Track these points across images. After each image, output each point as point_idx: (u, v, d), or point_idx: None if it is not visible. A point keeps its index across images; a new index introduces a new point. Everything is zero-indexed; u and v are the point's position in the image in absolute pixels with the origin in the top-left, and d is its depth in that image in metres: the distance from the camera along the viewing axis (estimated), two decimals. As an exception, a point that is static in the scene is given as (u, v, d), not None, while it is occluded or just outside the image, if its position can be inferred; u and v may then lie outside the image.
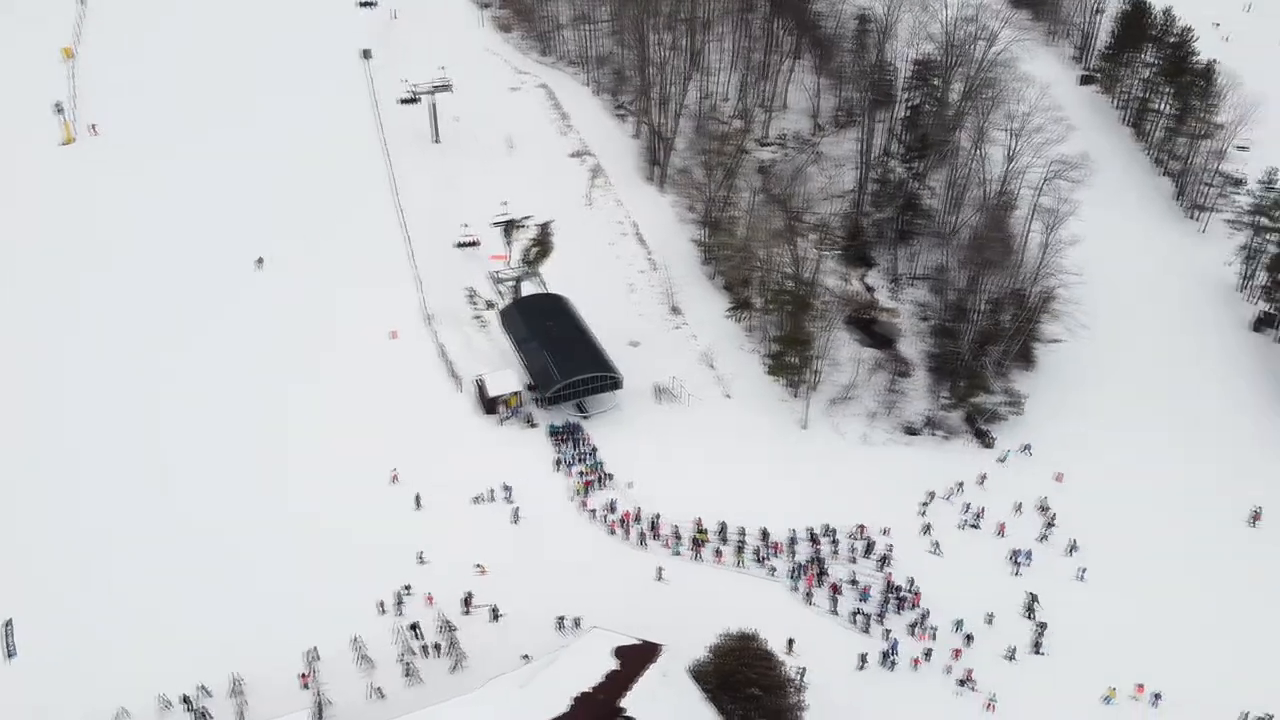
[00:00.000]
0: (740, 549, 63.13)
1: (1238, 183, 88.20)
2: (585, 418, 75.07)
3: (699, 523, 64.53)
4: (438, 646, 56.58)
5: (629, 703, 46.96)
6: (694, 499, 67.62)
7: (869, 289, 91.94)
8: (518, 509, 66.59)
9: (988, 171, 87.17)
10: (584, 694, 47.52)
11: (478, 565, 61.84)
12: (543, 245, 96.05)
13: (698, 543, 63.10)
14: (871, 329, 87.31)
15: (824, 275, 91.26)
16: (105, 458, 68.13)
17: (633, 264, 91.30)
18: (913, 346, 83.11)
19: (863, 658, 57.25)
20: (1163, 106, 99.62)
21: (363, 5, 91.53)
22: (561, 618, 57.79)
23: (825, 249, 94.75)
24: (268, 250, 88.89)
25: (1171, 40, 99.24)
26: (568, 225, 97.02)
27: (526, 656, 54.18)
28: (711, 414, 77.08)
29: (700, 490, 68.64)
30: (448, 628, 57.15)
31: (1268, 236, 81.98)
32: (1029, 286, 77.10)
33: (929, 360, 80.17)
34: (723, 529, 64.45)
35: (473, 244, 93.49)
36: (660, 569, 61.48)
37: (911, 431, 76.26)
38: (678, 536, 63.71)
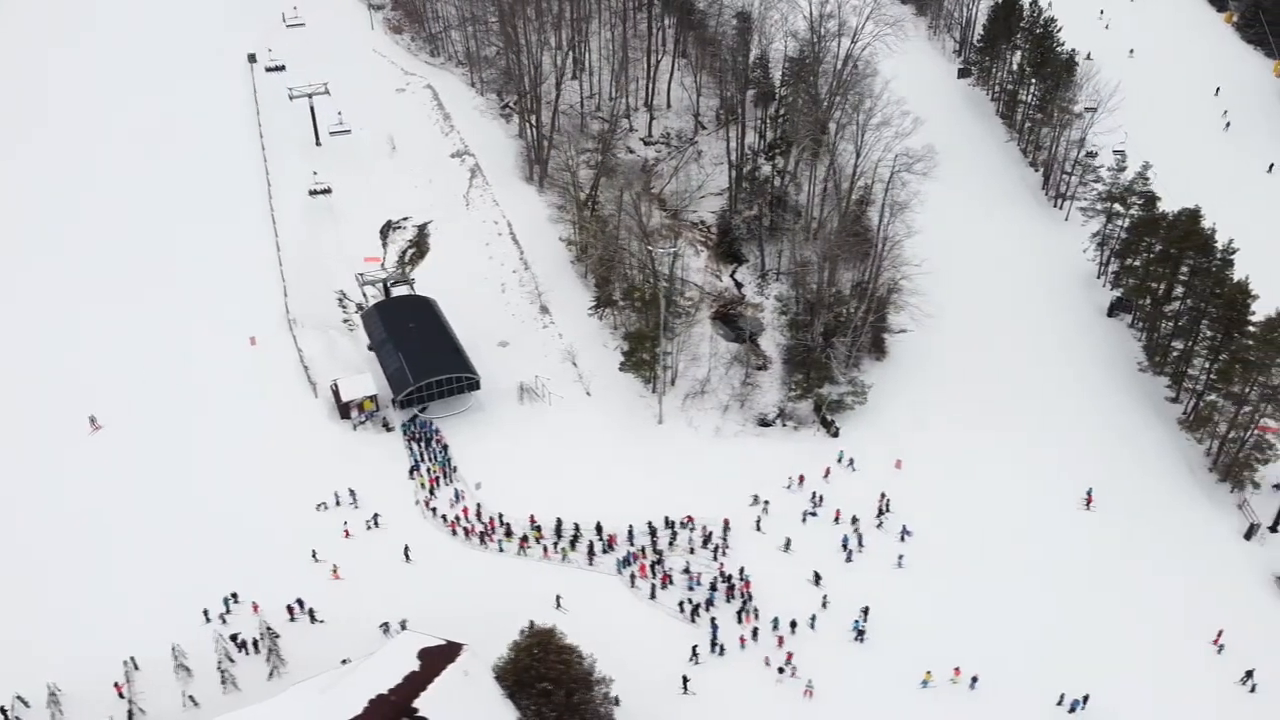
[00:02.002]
0: (573, 544, 63.63)
1: (1093, 169, 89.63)
2: (429, 418, 74.95)
3: (533, 519, 64.95)
4: (257, 653, 56.78)
5: (423, 703, 47.48)
6: (544, 497, 68.15)
7: (738, 285, 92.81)
8: (362, 513, 66.79)
9: (849, 167, 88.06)
10: (379, 696, 48.00)
11: (333, 567, 62.37)
12: (419, 247, 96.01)
13: (527, 539, 63.47)
14: (737, 324, 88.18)
15: (694, 272, 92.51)
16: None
17: (505, 264, 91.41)
18: (772, 340, 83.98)
19: (694, 649, 58.10)
20: (1028, 97, 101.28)
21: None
22: (386, 623, 58.04)
23: (698, 245, 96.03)
24: (128, 257, 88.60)
25: (1037, 31, 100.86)
26: (445, 226, 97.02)
27: (346, 661, 54.44)
28: (571, 412, 77.46)
29: (551, 488, 69.19)
30: (269, 635, 57.14)
31: (1118, 222, 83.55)
32: (871, 279, 78.09)
33: (785, 353, 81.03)
34: (558, 525, 64.92)
35: (325, 191, 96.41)
36: (491, 568, 61.92)
37: (765, 423, 77.11)
38: (509, 534, 64.09)
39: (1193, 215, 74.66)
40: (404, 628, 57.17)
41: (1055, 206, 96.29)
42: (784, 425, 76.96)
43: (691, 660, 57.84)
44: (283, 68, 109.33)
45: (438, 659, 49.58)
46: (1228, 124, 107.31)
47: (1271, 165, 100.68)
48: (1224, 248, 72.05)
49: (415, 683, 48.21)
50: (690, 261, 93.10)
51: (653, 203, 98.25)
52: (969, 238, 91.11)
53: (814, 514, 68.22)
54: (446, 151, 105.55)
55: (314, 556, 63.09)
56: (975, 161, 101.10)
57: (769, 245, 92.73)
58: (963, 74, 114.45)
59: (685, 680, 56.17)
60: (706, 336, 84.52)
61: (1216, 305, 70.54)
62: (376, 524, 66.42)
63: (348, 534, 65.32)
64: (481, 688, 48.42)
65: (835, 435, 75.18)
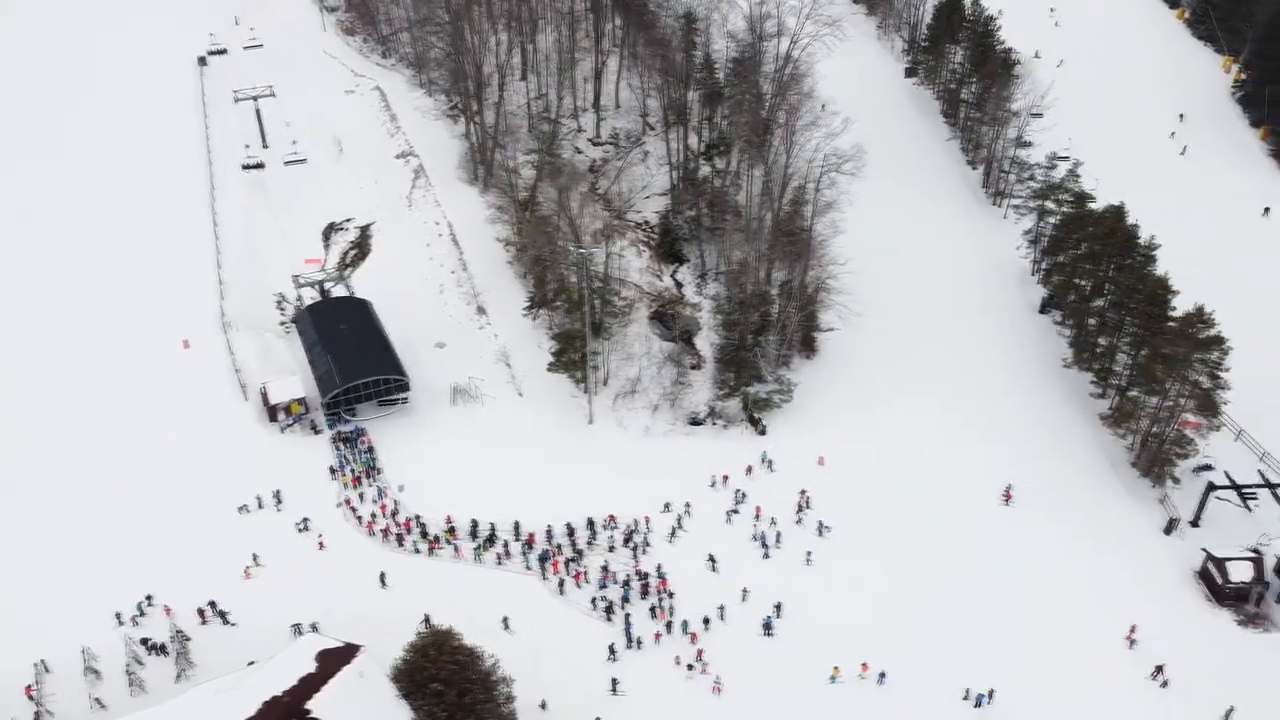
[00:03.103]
0: (488, 544, 63.82)
1: (1027, 167, 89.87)
2: (357, 420, 74.94)
3: (448, 520, 65.14)
4: (169, 655, 56.94)
5: (315, 704, 47.36)
6: (472, 498, 68.71)
7: (678, 284, 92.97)
8: (285, 515, 66.99)
9: (790, 166, 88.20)
10: (273, 698, 47.85)
11: (258, 563, 63.03)
12: (361, 248, 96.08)
13: (439, 540, 63.65)
14: (674, 323, 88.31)
15: (635, 272, 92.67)
16: None
17: (445, 265, 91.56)
18: (707, 340, 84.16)
19: (611, 647, 58.39)
20: (968, 95, 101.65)
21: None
22: (298, 624, 58.14)
23: (640, 246, 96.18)
24: (68, 259, 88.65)
25: (979, 30, 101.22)
26: (388, 227, 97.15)
27: (253, 663, 54.51)
28: (503, 413, 77.81)
29: (480, 489, 69.62)
30: (180, 637, 57.28)
31: (1048, 219, 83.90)
32: (798, 278, 78.34)
33: (718, 352, 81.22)
34: (473, 526, 65.11)
35: (258, 166, 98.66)
36: (406, 569, 62.15)
37: (695, 422, 77.37)
38: (423, 535, 64.25)
39: (1117, 212, 75.06)
40: (315, 629, 57.27)
41: (994, 205, 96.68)
42: (714, 424, 77.24)
43: (610, 658, 58.22)
44: (224, 50, 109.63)
45: (335, 661, 49.55)
46: (1180, 115, 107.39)
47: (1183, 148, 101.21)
48: (1146, 244, 72.45)
49: (310, 684, 48.15)
50: (632, 261, 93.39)
51: (596, 203, 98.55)
52: (908, 236, 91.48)
53: (736, 512, 68.55)
54: (392, 153, 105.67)
55: (256, 560, 63.45)
56: (917, 160, 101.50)
57: (710, 245, 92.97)
58: (910, 73, 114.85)
59: (615, 682, 56.47)
60: (642, 336, 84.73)
61: (1137, 301, 70.90)
62: (307, 527, 66.65)
63: (279, 529, 65.51)
64: (376, 689, 48.42)
65: (763, 433, 75.49)
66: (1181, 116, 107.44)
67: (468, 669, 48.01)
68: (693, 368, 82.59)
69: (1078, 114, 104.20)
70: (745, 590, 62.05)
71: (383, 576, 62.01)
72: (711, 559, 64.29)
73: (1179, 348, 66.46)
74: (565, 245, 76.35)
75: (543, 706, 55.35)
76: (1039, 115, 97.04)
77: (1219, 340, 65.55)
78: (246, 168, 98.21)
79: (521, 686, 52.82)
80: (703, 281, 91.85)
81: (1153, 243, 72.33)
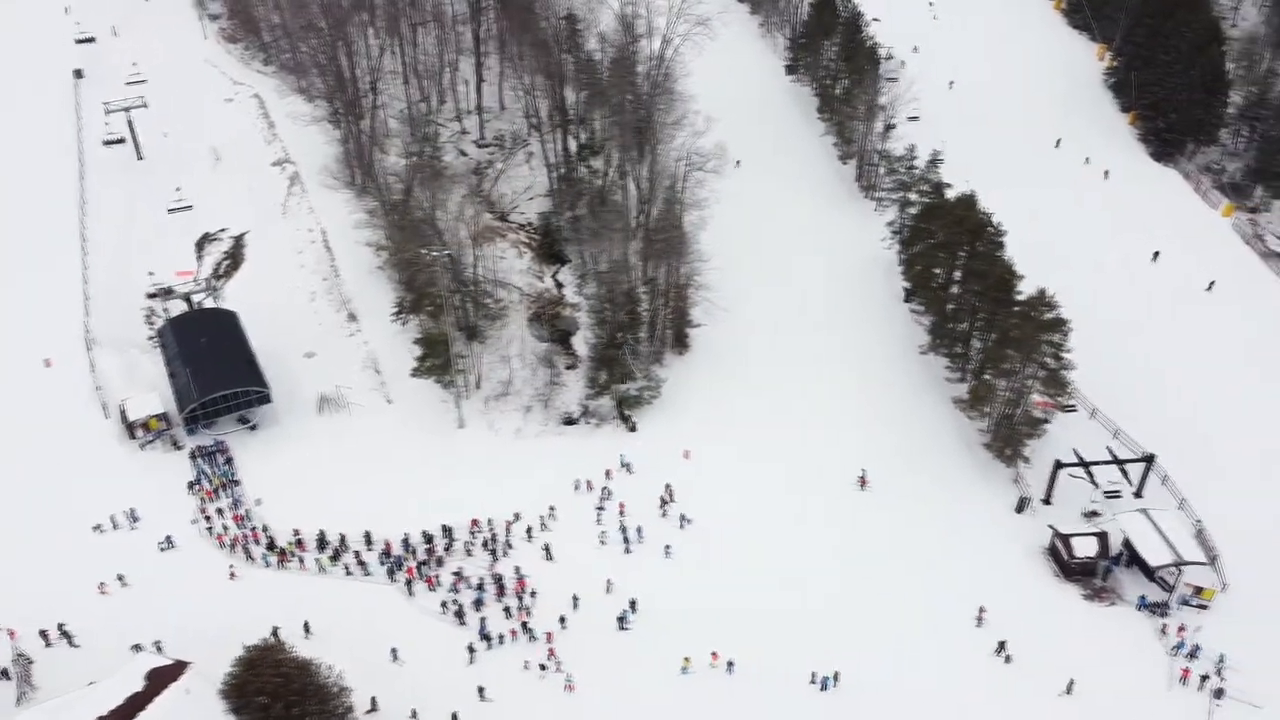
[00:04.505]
0: (336, 556, 63.48)
1: (891, 160, 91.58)
2: (216, 433, 74.07)
3: (296, 531, 64.71)
4: (9, 679, 55.83)
5: (140, 722, 47.01)
6: (331, 508, 68.09)
7: (559, 285, 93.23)
8: (140, 533, 66.06)
9: (659, 165, 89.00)
10: (99, 718, 47.30)
11: (124, 582, 62.19)
12: (234, 258, 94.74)
13: (286, 553, 63.21)
14: (554, 324, 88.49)
15: (516, 274, 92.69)
16: None
17: (317, 272, 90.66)
18: (584, 339, 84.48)
19: (470, 648, 58.49)
20: (840, 91, 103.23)
21: (80, 42, 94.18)
22: (139, 644, 57.30)
23: (521, 247, 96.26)
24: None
25: (850, 26, 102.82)
26: (262, 236, 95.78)
27: (92, 683, 53.65)
28: (371, 420, 77.27)
29: (340, 499, 68.97)
30: (22, 660, 56.22)
31: (909, 210, 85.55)
32: (668, 275, 79.09)
33: (593, 351, 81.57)
34: (320, 536, 64.72)
35: (186, 208, 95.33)
36: (255, 583, 61.73)
37: (570, 422, 77.74)
38: (270, 547, 63.76)
39: (968, 201, 76.89)
40: (159, 648, 56.64)
41: (866, 198, 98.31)
42: (587, 423, 77.66)
43: (470, 661, 58.30)
44: (93, 39, 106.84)
45: (163, 679, 49.28)
46: (1061, 137, 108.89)
47: (1060, 141, 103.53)
48: (994, 229, 74.29)
49: (136, 703, 47.90)
50: (513, 263, 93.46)
51: (478, 205, 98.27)
52: (779, 231, 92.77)
53: (602, 509, 69.00)
54: (269, 160, 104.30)
55: (122, 580, 62.49)
56: (793, 156, 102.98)
57: (589, 245, 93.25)
58: (790, 70, 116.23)
59: (481, 690, 56.40)
60: (517, 338, 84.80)
61: (986, 287, 72.69)
62: (172, 544, 65.69)
63: (134, 547, 64.57)
64: (203, 705, 48.17)
65: (633, 430, 76.10)
66: (1060, 142, 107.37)
67: (294, 681, 47.69)
68: (568, 368, 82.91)
69: (956, 110, 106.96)
70: (609, 583, 62.62)
71: (232, 591, 61.36)
72: (560, 556, 64.82)
73: (1024, 331, 68.39)
74: (426, 248, 75.81)
75: (413, 715, 55.23)
76: (915, 119, 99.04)
77: (1061, 322, 67.55)
78: (172, 210, 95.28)
79: (379, 694, 53.37)
80: (583, 282, 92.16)
81: (1000, 229, 74.21)
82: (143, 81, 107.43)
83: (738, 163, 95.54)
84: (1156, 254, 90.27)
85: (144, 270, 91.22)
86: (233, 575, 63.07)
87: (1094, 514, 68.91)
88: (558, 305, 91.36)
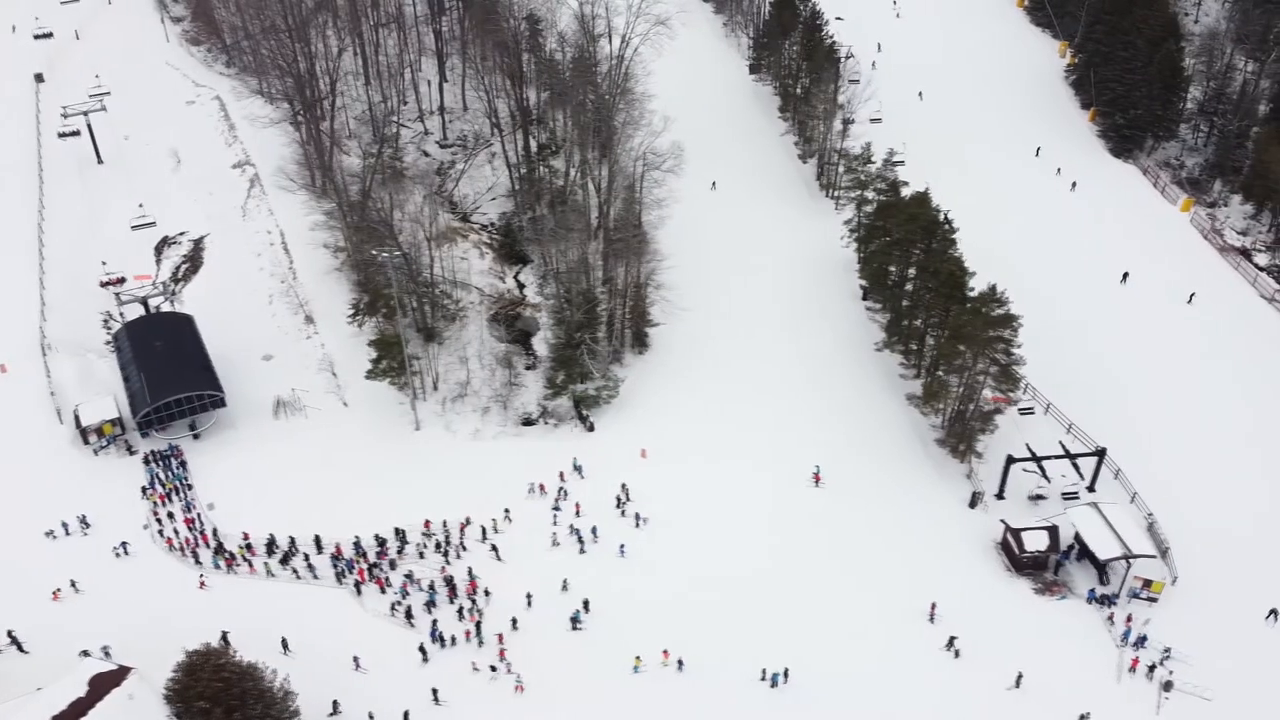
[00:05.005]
0: (285, 560, 63.36)
1: (849, 158, 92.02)
2: (169, 438, 73.72)
3: (245, 536, 64.54)
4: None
5: (80, 729, 46.82)
6: (283, 512, 67.89)
7: (520, 285, 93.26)
8: (92, 539, 65.65)
9: (628, 166, 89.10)
10: (40, 725, 47.12)
11: (77, 589, 61.55)
12: (194, 261, 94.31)
13: (234, 558, 63.07)
14: (514, 325, 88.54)
15: (477, 274, 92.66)
16: None
17: (275, 274, 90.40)
18: (544, 340, 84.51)
19: (422, 648, 58.45)
20: (800, 90, 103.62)
21: (38, 38, 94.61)
22: (86, 650, 56.92)
23: (483, 248, 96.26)
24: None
25: (808, 24, 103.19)
26: (221, 239, 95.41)
27: (40, 689, 53.38)
28: (327, 423, 77.11)
29: (293, 503, 68.80)
30: (-32, 668, 55.83)
31: (866, 209, 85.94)
32: (625, 275, 79.26)
33: (552, 351, 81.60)
34: (270, 541, 64.57)
35: (150, 224, 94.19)
36: (206, 587, 61.62)
37: (528, 422, 77.84)
38: (219, 551, 63.59)
39: (921, 198, 77.38)
40: (107, 653, 56.34)
41: (826, 197, 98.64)
42: (545, 423, 77.78)
43: (424, 662, 58.27)
44: (50, 34, 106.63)
45: (105, 684, 49.14)
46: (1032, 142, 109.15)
47: (1040, 149, 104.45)
48: (946, 226, 74.74)
49: (78, 709, 47.76)
50: (474, 263, 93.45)
51: (440, 205, 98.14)
52: (739, 230, 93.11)
53: (558, 509, 69.06)
54: (229, 162, 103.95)
55: (75, 586, 61.84)
56: (754, 155, 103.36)
57: (550, 245, 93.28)
58: (753, 70, 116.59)
59: (435, 692, 56.25)
60: (476, 339, 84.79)
61: (938, 283, 73.13)
62: (126, 551, 65.35)
63: (79, 560, 64.03)
64: (145, 710, 48.04)
65: (591, 430, 76.22)
66: (1040, 150, 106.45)
67: (235, 685, 47.55)
68: (527, 368, 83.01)
69: (918, 109, 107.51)
70: (564, 583, 62.60)
71: (182, 596, 61.14)
72: (514, 557, 64.80)
73: (975, 327, 68.84)
74: (379, 249, 75.64)
75: (370, 718, 55.13)
76: (878, 120, 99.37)
77: (1011, 318, 68.09)
78: (136, 228, 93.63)
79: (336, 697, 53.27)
80: (544, 282, 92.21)
81: (952, 225, 74.68)
82: (106, 94, 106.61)
83: (714, 184, 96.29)
84: (1126, 275, 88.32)
85: (102, 275, 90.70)
86: (202, 584, 62.58)
87: (1040, 497, 69.45)
88: (519, 305, 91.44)
